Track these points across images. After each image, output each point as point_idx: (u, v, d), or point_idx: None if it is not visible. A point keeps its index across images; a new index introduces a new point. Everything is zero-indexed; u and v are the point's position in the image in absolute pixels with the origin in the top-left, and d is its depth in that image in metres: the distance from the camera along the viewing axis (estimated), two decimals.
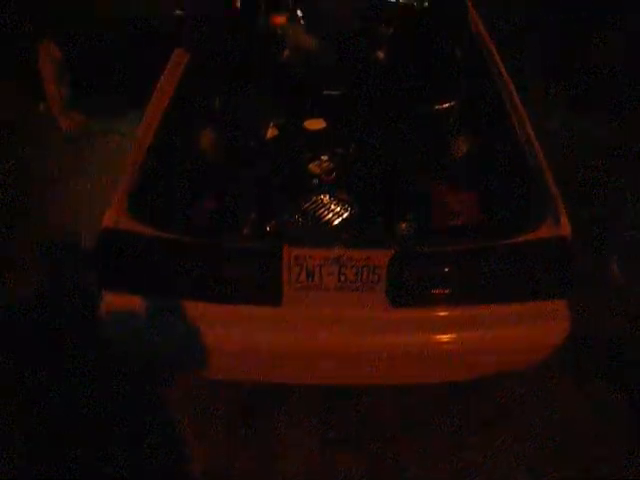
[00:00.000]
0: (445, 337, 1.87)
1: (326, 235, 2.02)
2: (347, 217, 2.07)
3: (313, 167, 2.39)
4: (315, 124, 2.62)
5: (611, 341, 2.66)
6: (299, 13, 3.39)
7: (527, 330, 1.91)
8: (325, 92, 2.75)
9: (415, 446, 2.17)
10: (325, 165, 2.40)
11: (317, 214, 2.07)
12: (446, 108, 2.41)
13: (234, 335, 1.85)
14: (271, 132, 2.55)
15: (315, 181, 2.24)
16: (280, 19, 3.20)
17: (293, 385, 2.27)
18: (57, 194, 3.67)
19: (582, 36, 5.35)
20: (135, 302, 1.88)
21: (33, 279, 2.95)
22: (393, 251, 1.81)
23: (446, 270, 1.87)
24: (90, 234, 3.15)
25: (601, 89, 4.57)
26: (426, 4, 3.14)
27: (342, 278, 1.84)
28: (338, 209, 2.09)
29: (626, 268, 2.96)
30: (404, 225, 2.03)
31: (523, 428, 2.27)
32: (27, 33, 3.85)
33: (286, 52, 2.99)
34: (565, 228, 1.90)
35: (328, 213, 2.08)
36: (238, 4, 3.20)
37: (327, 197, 2.17)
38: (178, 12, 3.68)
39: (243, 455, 2.14)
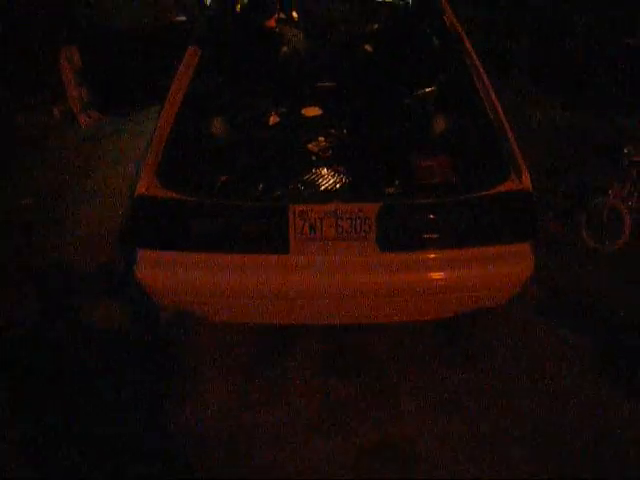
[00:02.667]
0: (428, 276, 2.21)
1: (325, 194, 2.37)
2: (342, 180, 2.43)
3: (312, 147, 2.76)
4: (312, 111, 3.00)
5: (580, 290, 3.01)
6: (294, 15, 3.81)
7: (497, 269, 2.25)
8: (319, 85, 3.13)
9: (405, 378, 2.51)
10: (322, 144, 2.77)
11: (317, 179, 2.43)
12: (424, 91, 2.79)
13: (250, 280, 2.19)
14: (274, 118, 2.93)
15: (314, 157, 2.60)
16: (277, 21, 3.61)
17: (300, 324, 2.60)
18: (76, 184, 4.06)
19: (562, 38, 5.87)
20: (165, 256, 2.23)
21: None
22: (380, 204, 2.16)
23: (426, 220, 2.23)
24: (105, 212, 3.61)
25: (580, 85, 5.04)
26: (408, 3, 3.54)
27: (339, 229, 2.19)
28: (334, 174, 2.45)
29: (592, 231, 3.32)
30: (390, 183, 2.38)
31: (500, 362, 2.60)
32: (47, 40, 4.24)
33: (284, 49, 3.37)
34: (527, 183, 2.26)
35: (326, 177, 2.44)
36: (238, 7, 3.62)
37: (325, 169, 2.53)
38: (181, 18, 4.08)
39: (256, 388, 2.48)
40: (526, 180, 2.26)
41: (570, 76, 5.54)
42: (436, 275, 2.22)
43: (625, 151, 3.26)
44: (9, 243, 3.44)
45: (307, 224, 2.18)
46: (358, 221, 2.18)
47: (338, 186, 2.41)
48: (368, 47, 3.38)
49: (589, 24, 5.79)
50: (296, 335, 2.71)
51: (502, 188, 2.24)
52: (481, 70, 2.66)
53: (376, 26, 3.45)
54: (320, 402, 2.40)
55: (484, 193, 2.23)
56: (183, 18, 4.19)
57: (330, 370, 2.55)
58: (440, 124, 2.63)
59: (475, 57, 2.73)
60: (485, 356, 2.64)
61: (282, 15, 3.82)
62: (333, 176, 2.51)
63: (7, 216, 3.73)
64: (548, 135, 4.72)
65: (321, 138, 2.80)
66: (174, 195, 2.19)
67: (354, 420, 2.33)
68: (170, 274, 2.22)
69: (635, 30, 5.17)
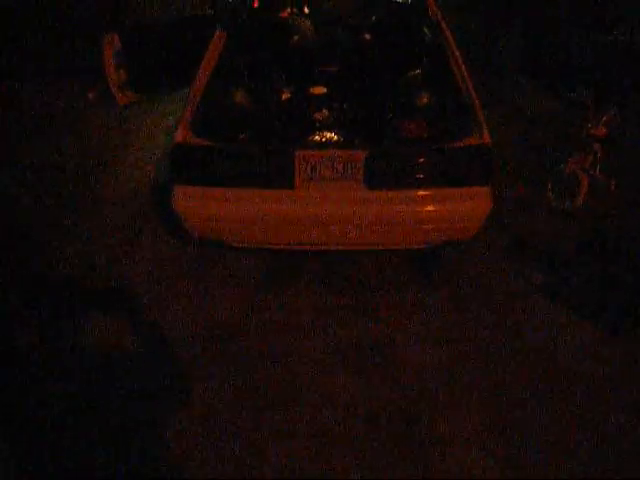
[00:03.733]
0: (404, 209, 2.78)
1: (324, 143, 2.95)
2: (338, 133, 3.00)
3: (315, 110, 3.31)
4: (318, 90, 3.58)
5: (543, 240, 3.55)
6: (306, 10, 4.41)
7: (464, 205, 2.81)
8: (323, 67, 3.72)
9: (384, 297, 3.09)
10: (324, 109, 3.35)
11: (318, 132, 3.01)
12: (409, 69, 3.38)
13: (262, 209, 2.78)
14: (285, 93, 3.51)
15: (317, 116, 3.17)
16: (289, 13, 4.22)
17: (303, 249, 3.16)
18: (115, 158, 4.71)
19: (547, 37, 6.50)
20: (197, 190, 2.82)
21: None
22: (368, 152, 2.74)
23: (404, 165, 2.79)
24: (139, 181, 4.24)
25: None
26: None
27: (334, 170, 2.77)
28: (332, 128, 3.03)
29: (556, 193, 3.86)
30: (376, 136, 2.95)
31: (467, 293, 3.15)
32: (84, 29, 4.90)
33: (294, 36, 3.97)
34: (487, 139, 2.82)
35: (326, 131, 3.02)
36: (256, 3, 4.24)
37: (325, 125, 3.11)
38: (210, 11, 4.71)
39: (262, 297, 3.09)
40: (486, 137, 2.82)
41: (557, 70, 6.14)
42: (411, 208, 2.79)
43: (589, 125, 3.79)
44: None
45: (309, 166, 2.76)
46: (349, 164, 2.76)
47: (335, 137, 2.99)
48: (367, 35, 3.97)
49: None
50: (299, 262, 3.33)
51: (466, 142, 2.80)
52: (457, 53, 3.22)
53: (374, 18, 4.05)
54: (315, 309, 3.00)
55: (451, 145, 2.80)
56: (211, 12, 4.83)
57: (325, 288, 3.15)
58: (420, 93, 3.20)
59: (452, 42, 3.30)
60: (455, 288, 3.18)
61: (295, 9, 4.45)
62: (331, 130, 3.08)
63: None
64: (537, 119, 5.34)
65: (324, 104, 3.39)
66: (204, 142, 2.79)
67: (346, 323, 2.92)
68: (199, 204, 2.81)
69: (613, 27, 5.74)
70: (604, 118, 3.71)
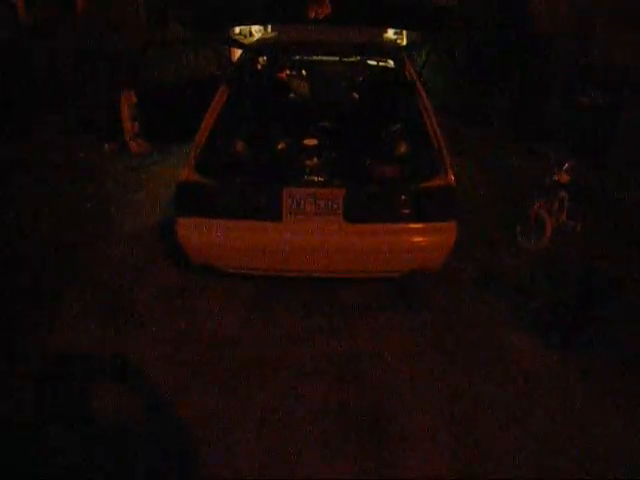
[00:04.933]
0: (379, 240, 3.16)
1: (308, 182, 3.37)
2: (321, 173, 3.43)
3: (301, 155, 3.75)
4: (310, 142, 4.03)
5: (508, 273, 3.89)
6: (303, 72, 5.00)
7: (431, 238, 3.20)
8: (313, 121, 4.21)
9: (362, 317, 3.43)
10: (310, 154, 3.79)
11: (303, 173, 3.44)
12: (385, 121, 3.86)
13: (252, 239, 3.16)
14: (282, 145, 3.97)
15: (303, 161, 3.61)
16: (286, 74, 4.79)
17: (288, 275, 3.50)
18: (125, 203, 5.18)
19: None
20: (196, 221, 3.21)
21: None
22: (345, 190, 3.14)
23: (378, 202, 3.20)
24: (148, 223, 4.65)
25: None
26: (385, 65, 4.72)
27: (317, 206, 3.16)
28: (316, 170, 3.46)
29: (523, 234, 4.24)
30: (354, 177, 3.36)
31: (437, 313, 3.48)
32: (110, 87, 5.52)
33: (291, 94, 4.51)
34: (451, 180, 3.23)
35: (310, 172, 3.45)
36: (259, 66, 4.83)
37: (310, 167, 3.53)
38: (217, 72, 5.30)
39: (255, 315, 3.42)
40: (450, 178, 3.23)
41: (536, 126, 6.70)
42: (385, 240, 3.17)
43: (553, 173, 4.22)
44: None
45: (294, 201, 3.16)
46: (330, 201, 3.16)
47: (318, 177, 3.41)
48: (353, 94, 4.50)
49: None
50: (286, 286, 3.68)
51: (433, 182, 3.22)
52: (428, 107, 3.69)
53: (360, 79, 4.60)
54: (301, 327, 3.32)
55: (420, 185, 3.21)
56: (218, 73, 5.44)
57: (308, 310, 3.49)
58: (395, 141, 3.65)
59: (425, 99, 3.78)
60: (426, 309, 3.52)
61: (292, 71, 5.03)
62: (315, 171, 3.51)
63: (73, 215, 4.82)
64: (511, 173, 5.82)
65: (310, 150, 3.83)
66: (205, 180, 3.21)
67: (327, 339, 3.24)
68: (198, 233, 3.21)
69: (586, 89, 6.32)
70: (565, 166, 4.14)
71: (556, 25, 7.47)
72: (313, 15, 2.70)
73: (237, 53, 6.59)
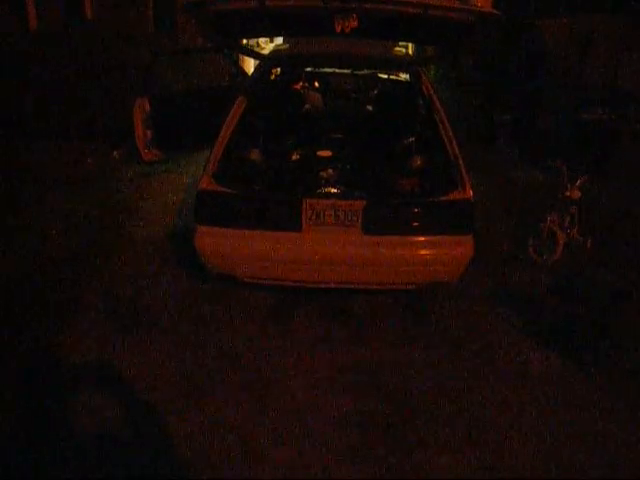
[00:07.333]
0: (397, 253, 3.18)
1: (328, 193, 3.39)
2: (341, 185, 3.46)
3: (322, 167, 3.79)
4: (324, 153, 4.07)
5: (521, 288, 3.91)
6: (321, 84, 5.05)
7: (449, 251, 3.21)
8: (332, 135, 4.26)
9: (375, 328, 3.44)
10: (329, 167, 3.83)
11: (324, 184, 3.48)
12: (403, 134, 3.90)
13: (272, 249, 3.17)
14: (301, 155, 4.00)
15: (323, 173, 3.64)
16: (302, 86, 4.84)
17: (305, 286, 3.48)
18: (136, 209, 5.18)
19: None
20: (216, 230, 3.22)
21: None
22: (365, 202, 3.17)
23: (397, 215, 3.23)
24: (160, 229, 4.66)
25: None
26: (403, 78, 4.78)
27: (336, 217, 3.18)
28: (336, 181, 3.49)
29: (537, 248, 4.27)
30: (374, 190, 3.40)
31: (450, 324, 3.50)
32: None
33: (308, 107, 4.55)
34: (469, 194, 3.25)
35: (330, 183, 3.48)
36: (276, 76, 4.88)
37: (330, 179, 3.58)
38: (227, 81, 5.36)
39: (272, 324, 3.43)
40: (468, 192, 3.25)
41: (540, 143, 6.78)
42: (402, 252, 3.19)
43: (565, 189, 4.25)
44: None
45: (314, 212, 3.18)
46: (349, 212, 3.18)
47: (338, 189, 3.44)
48: (368, 107, 4.55)
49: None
50: (303, 297, 3.68)
51: (451, 196, 3.24)
52: (445, 121, 3.72)
53: (375, 92, 4.65)
54: (315, 337, 3.34)
55: (438, 198, 3.24)
56: (227, 83, 5.49)
57: (325, 319, 3.51)
58: (413, 155, 3.69)
59: (442, 113, 3.81)
60: (441, 322, 3.53)
61: (307, 83, 5.08)
62: (336, 183, 3.55)
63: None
64: (521, 187, 5.89)
65: (330, 162, 3.87)
66: (225, 189, 3.23)
67: (342, 348, 3.26)
68: (217, 242, 3.22)
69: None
70: (577, 182, 4.18)
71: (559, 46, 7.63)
72: (340, 29, 2.73)
73: (248, 62, 6.67)
